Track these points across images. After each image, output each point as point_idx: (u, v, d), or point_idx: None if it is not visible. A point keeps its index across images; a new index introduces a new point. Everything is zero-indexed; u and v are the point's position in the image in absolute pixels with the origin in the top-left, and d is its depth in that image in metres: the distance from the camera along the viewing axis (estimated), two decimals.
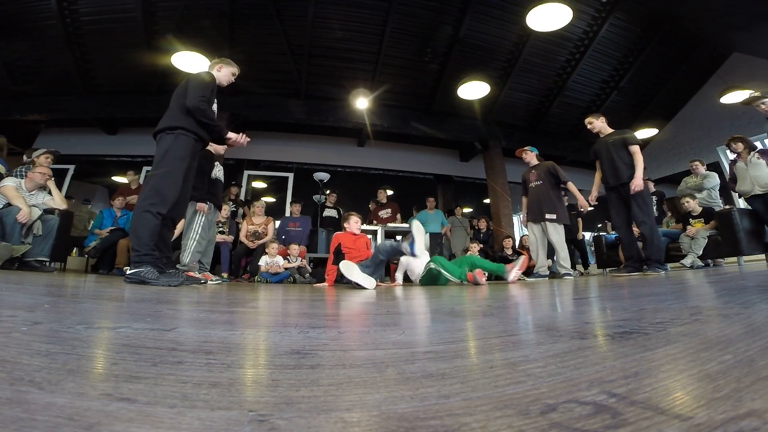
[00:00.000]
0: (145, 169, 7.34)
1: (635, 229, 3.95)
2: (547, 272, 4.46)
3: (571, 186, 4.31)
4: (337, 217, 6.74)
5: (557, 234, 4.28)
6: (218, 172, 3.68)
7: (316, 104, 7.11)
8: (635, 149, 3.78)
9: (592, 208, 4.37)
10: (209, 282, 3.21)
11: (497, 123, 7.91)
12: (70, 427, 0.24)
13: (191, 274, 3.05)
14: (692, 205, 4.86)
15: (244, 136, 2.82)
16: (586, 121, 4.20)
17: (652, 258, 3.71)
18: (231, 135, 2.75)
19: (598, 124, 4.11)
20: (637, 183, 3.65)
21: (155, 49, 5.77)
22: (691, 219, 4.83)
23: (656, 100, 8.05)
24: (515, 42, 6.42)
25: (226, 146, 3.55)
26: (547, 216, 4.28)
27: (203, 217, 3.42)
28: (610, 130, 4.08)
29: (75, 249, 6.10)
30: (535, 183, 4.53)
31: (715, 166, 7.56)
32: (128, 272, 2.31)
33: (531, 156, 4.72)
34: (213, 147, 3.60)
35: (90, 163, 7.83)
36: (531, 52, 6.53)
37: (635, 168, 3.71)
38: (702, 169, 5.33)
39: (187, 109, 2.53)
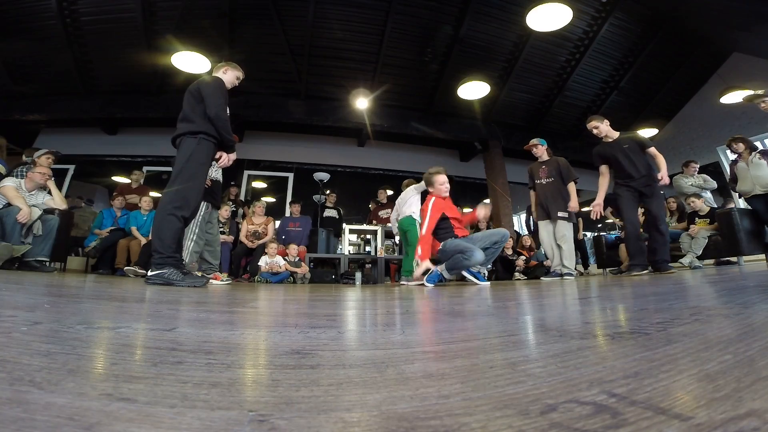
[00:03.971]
0: (145, 169, 7.35)
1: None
2: (565, 270, 4.26)
3: (571, 187, 4.23)
4: (337, 217, 6.73)
5: (567, 232, 4.19)
6: (216, 172, 3.68)
7: (316, 104, 7.11)
8: (655, 151, 3.81)
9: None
10: (218, 283, 3.21)
11: (497, 123, 7.91)
12: (70, 427, 0.24)
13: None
14: (699, 204, 4.87)
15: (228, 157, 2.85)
16: (591, 125, 4.00)
17: (665, 258, 3.67)
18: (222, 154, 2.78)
19: (604, 127, 3.95)
20: (666, 180, 3.71)
21: (155, 49, 5.77)
22: (697, 218, 4.85)
23: (656, 100, 8.05)
24: (515, 42, 6.42)
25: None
26: (560, 214, 4.18)
27: (200, 217, 3.42)
28: (616, 134, 3.97)
29: (79, 249, 6.05)
30: (546, 180, 4.36)
31: (715, 166, 7.58)
32: (150, 274, 2.31)
33: (542, 150, 4.50)
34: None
35: (90, 163, 7.83)
36: (531, 52, 6.53)
37: (660, 167, 3.74)
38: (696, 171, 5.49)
39: (210, 117, 2.54)
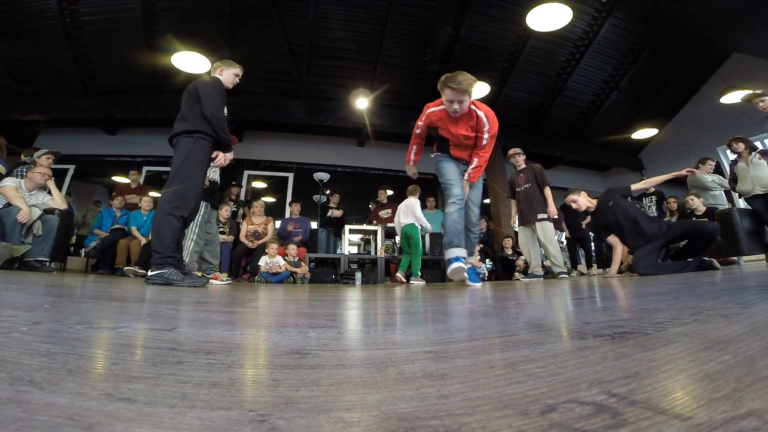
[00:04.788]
0: (145, 169, 7.35)
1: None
2: (542, 272, 4.56)
3: (547, 192, 4.47)
4: (341, 217, 6.74)
5: (546, 233, 4.40)
6: (213, 173, 3.68)
7: (316, 104, 7.11)
8: (644, 183, 3.64)
9: (556, 218, 4.57)
10: (218, 282, 3.21)
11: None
12: (70, 427, 0.24)
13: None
14: (696, 203, 4.86)
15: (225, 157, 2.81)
16: (569, 200, 3.71)
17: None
18: (219, 153, 2.77)
19: (582, 201, 3.64)
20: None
21: (155, 49, 5.78)
22: (694, 218, 4.83)
23: (656, 100, 8.06)
24: (515, 42, 6.42)
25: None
26: (539, 216, 4.42)
27: (199, 217, 3.42)
28: (594, 201, 3.68)
29: (81, 251, 6.04)
30: (524, 186, 4.65)
31: (715, 166, 7.58)
32: (150, 274, 2.32)
33: (521, 159, 4.83)
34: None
35: (90, 163, 7.83)
36: (531, 52, 6.54)
37: (670, 175, 3.56)
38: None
39: (206, 117, 2.55)
